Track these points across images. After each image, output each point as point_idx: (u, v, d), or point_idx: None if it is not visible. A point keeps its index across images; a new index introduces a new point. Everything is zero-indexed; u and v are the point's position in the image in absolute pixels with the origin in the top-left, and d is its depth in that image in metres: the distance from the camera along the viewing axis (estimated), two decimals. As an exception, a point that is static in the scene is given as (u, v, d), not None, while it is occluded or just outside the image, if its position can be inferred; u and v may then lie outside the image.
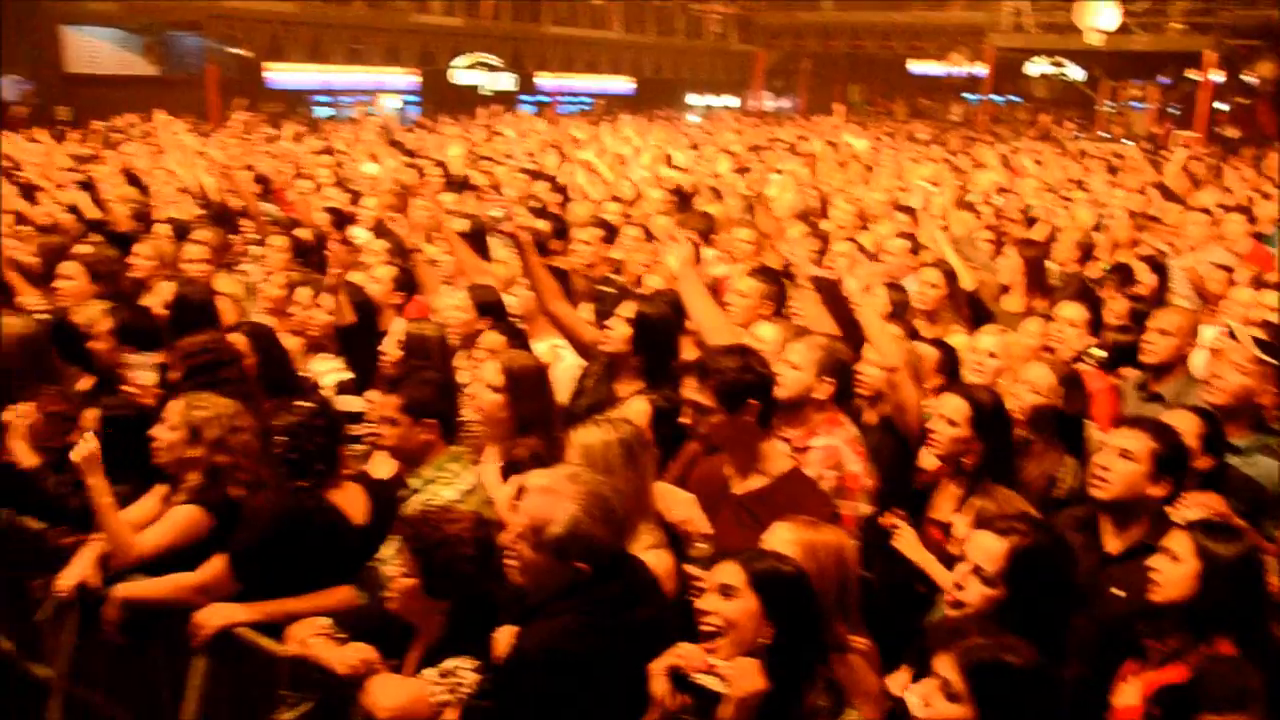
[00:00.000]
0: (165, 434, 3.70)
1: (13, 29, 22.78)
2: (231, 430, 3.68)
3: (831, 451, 3.87)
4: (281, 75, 25.66)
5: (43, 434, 4.20)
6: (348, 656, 2.96)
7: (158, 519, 3.77)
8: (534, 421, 3.96)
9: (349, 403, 4.73)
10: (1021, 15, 28.29)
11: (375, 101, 27.43)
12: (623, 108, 28.07)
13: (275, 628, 3.32)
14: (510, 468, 3.73)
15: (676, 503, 3.43)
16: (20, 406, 4.17)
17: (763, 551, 2.78)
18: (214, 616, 3.33)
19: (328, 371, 5.04)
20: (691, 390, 3.54)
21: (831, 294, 4.75)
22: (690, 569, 3.24)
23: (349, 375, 5.00)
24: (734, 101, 35.18)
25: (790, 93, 37.00)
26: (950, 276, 5.94)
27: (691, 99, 34.34)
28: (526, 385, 3.99)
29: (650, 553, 3.16)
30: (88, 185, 9.14)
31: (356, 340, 5.17)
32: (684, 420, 3.58)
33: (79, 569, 3.66)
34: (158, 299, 5.52)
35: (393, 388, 3.64)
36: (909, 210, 8.70)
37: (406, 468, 3.64)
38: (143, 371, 4.38)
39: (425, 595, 2.91)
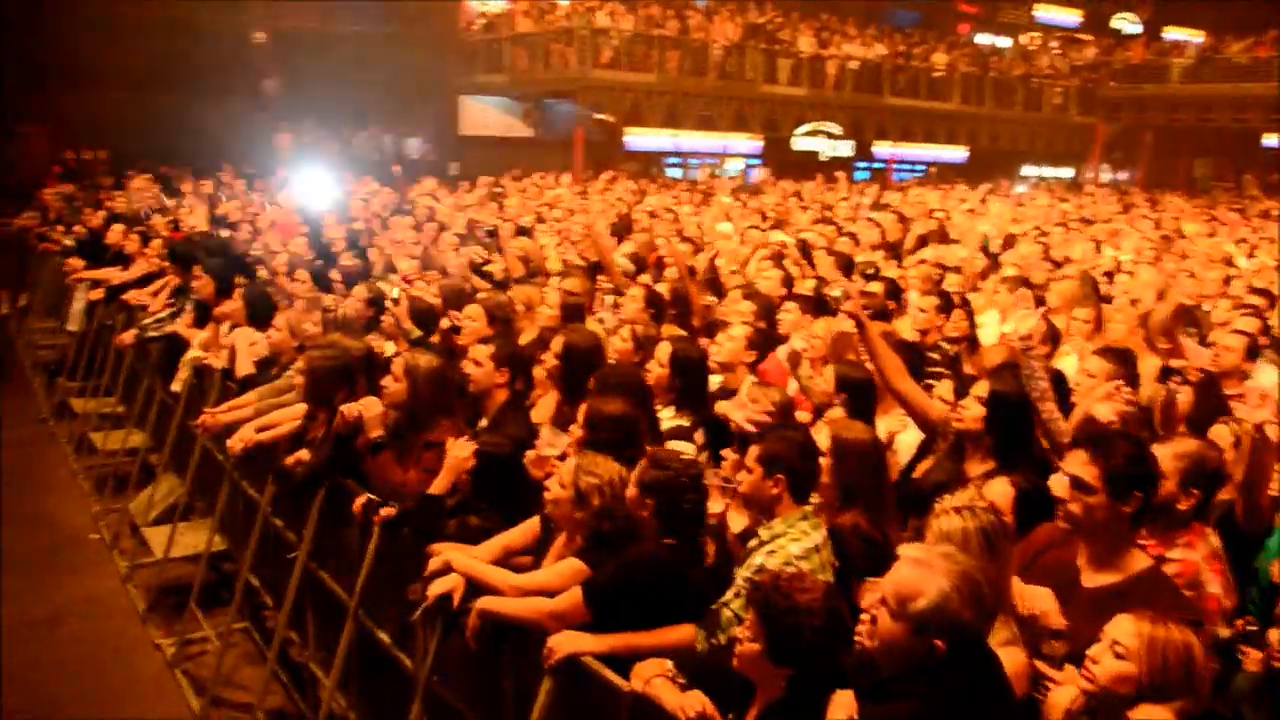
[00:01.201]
0: (556, 489, 3.74)
1: (419, 98, 25.40)
2: (616, 497, 3.61)
3: (1190, 568, 3.43)
4: (639, 139, 26.88)
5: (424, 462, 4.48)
6: (688, 703, 2.88)
7: (529, 547, 3.94)
8: (859, 493, 3.76)
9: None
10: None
11: (721, 164, 28.20)
12: (955, 176, 27.24)
13: (617, 660, 3.28)
14: (832, 536, 3.54)
15: (1032, 596, 3.11)
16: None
17: (1195, 690, 2.46)
18: (567, 643, 3.34)
19: (660, 419, 4.99)
20: (1077, 465, 3.20)
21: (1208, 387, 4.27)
22: (1042, 668, 2.93)
23: (682, 423, 4.92)
24: (1067, 173, 33.29)
25: (1129, 166, 34.52)
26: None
27: (1027, 170, 32.83)
28: (854, 456, 3.79)
29: (1002, 649, 2.82)
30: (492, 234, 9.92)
31: (692, 392, 5.14)
32: (1055, 494, 3.24)
33: (449, 582, 3.81)
34: (530, 338, 5.80)
35: (756, 438, 3.55)
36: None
37: (757, 518, 3.53)
38: (550, 449, 4.31)
39: (768, 660, 2.77)
